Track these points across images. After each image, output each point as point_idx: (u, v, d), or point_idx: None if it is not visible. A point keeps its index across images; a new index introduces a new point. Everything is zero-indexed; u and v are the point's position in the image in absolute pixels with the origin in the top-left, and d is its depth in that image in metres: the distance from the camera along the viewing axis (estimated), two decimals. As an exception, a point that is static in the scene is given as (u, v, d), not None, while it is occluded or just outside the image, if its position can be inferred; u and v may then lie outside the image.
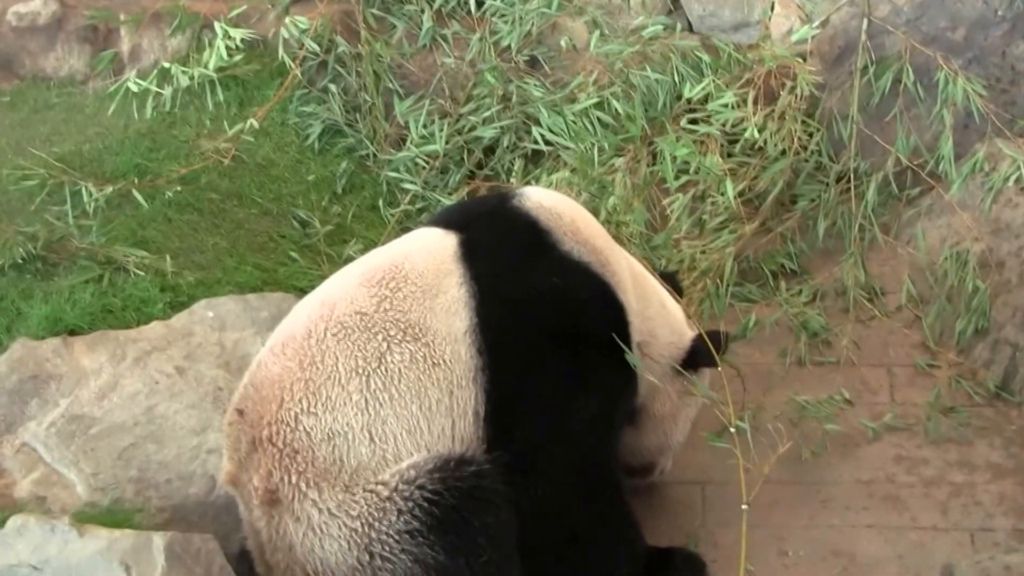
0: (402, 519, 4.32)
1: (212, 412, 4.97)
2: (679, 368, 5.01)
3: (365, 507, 4.36)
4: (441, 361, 4.52)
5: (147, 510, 4.76)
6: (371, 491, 4.37)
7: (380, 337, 4.50)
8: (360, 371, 4.46)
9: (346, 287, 4.65)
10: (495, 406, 4.58)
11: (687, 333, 5.05)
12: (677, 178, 6.10)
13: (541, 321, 4.66)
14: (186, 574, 4.31)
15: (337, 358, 4.47)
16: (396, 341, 4.50)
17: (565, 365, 4.67)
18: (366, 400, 4.44)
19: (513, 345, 4.62)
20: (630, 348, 4.74)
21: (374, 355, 4.48)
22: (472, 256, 4.68)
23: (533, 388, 4.64)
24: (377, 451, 4.42)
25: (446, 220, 4.95)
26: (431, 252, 4.71)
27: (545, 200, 4.85)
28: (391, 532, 4.33)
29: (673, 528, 5.13)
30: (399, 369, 4.48)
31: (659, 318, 4.96)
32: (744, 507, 4.74)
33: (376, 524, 4.34)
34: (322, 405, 4.43)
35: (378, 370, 4.46)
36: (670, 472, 5.35)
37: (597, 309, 4.74)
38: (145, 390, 5.06)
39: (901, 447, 5.39)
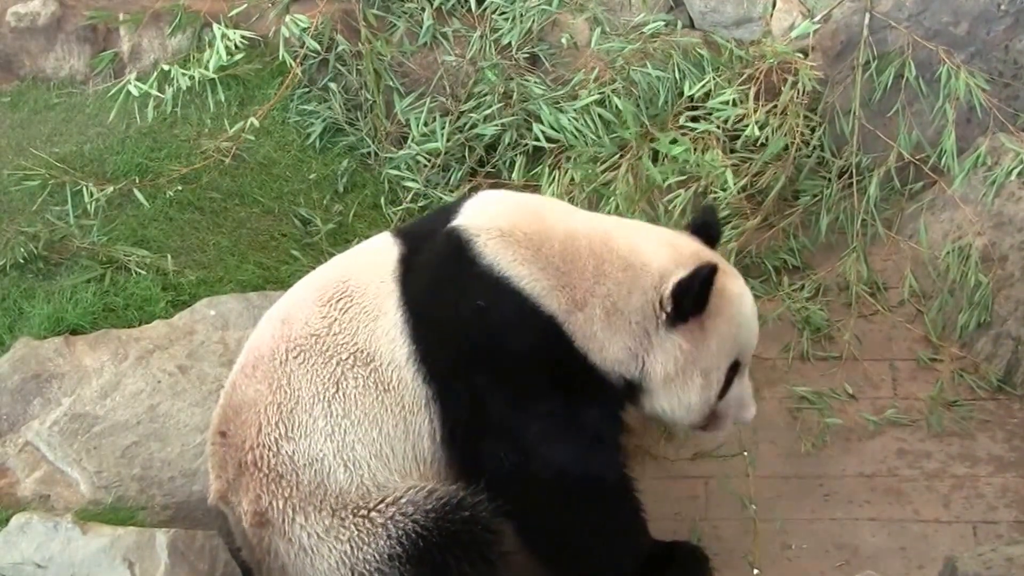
0: (388, 543, 4.43)
1: (215, 410, 5.01)
2: (671, 319, 4.62)
3: (355, 532, 4.46)
4: (390, 387, 4.53)
5: (150, 508, 4.81)
6: (364, 517, 4.46)
7: (335, 361, 4.52)
8: (321, 397, 4.50)
9: (302, 305, 4.65)
10: (451, 431, 4.57)
11: (669, 279, 4.60)
12: (665, 178, 6.10)
13: (470, 347, 4.56)
14: (189, 570, 4.35)
15: (300, 383, 4.51)
16: (349, 366, 4.52)
17: (500, 391, 4.57)
18: (332, 427, 4.49)
19: (452, 371, 4.55)
20: (570, 349, 4.57)
21: (331, 380, 4.51)
22: (406, 276, 4.63)
23: (484, 415, 4.57)
24: (354, 478, 4.48)
25: (407, 226, 4.89)
26: (374, 266, 4.67)
27: (478, 214, 4.67)
28: (375, 554, 4.44)
29: (677, 522, 5.17)
30: (354, 396, 4.50)
31: (623, 285, 4.59)
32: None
33: (364, 547, 4.44)
34: (297, 431, 4.49)
35: (336, 396, 4.50)
36: (678, 471, 5.42)
37: (519, 327, 4.55)
38: (147, 388, 5.11)
39: (903, 440, 5.43)
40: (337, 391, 4.50)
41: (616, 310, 4.59)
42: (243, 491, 4.52)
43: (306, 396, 4.50)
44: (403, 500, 4.45)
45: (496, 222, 4.62)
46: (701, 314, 4.60)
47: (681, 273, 4.57)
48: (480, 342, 4.54)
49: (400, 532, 4.42)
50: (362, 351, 4.53)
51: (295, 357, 4.53)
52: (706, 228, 4.87)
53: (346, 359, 4.52)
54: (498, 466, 4.59)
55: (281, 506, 4.47)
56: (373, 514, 4.45)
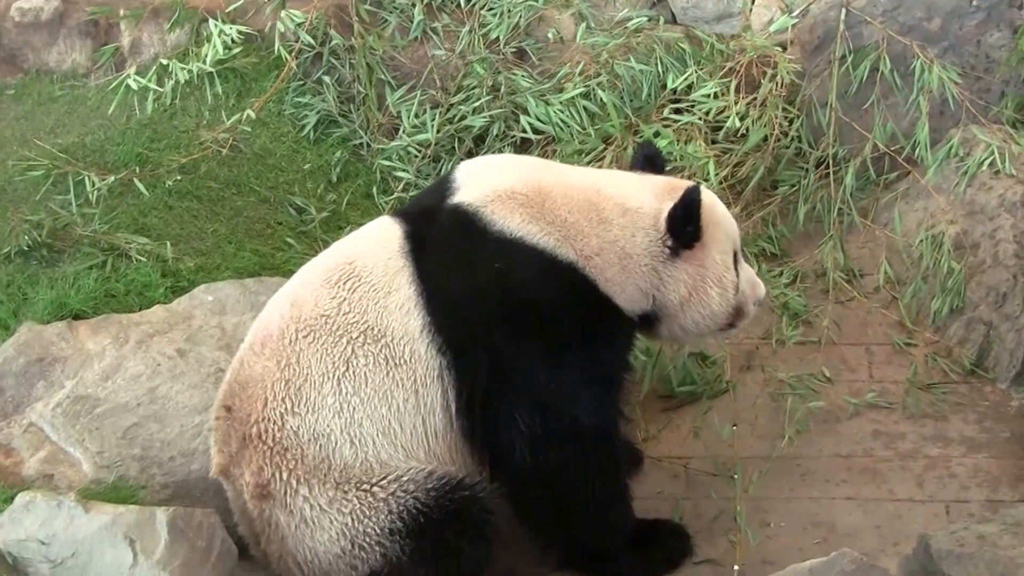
0: (389, 518, 4.44)
1: (213, 392, 4.99)
2: (675, 250, 4.68)
3: (358, 504, 4.46)
4: (402, 361, 4.52)
5: (150, 486, 4.81)
6: (366, 491, 4.46)
7: (345, 340, 4.51)
8: (331, 375, 4.49)
9: (310, 286, 4.64)
10: (467, 400, 4.57)
11: (662, 216, 4.66)
12: None
13: (491, 310, 4.54)
14: (188, 548, 4.36)
15: (310, 362, 4.50)
16: (359, 344, 4.50)
17: (526, 348, 4.56)
18: (340, 404, 4.48)
19: (470, 338, 4.54)
20: (596, 293, 4.60)
21: (341, 359, 4.50)
22: (417, 252, 4.62)
23: (503, 378, 4.56)
24: (359, 453, 4.48)
25: (403, 207, 4.85)
26: (379, 246, 4.66)
27: (476, 185, 4.66)
28: (376, 528, 4.45)
29: (659, 501, 5.17)
30: (364, 373, 4.49)
31: (627, 229, 4.64)
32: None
33: (365, 520, 4.45)
34: (304, 406, 4.48)
35: (347, 374, 4.49)
36: (656, 449, 5.41)
37: (542, 279, 4.57)
38: (148, 371, 5.11)
39: (879, 422, 5.43)
40: (347, 369, 4.49)
41: (627, 254, 4.64)
42: (245, 463, 4.52)
43: (315, 374, 4.49)
44: (405, 479, 4.46)
45: (496, 189, 4.62)
46: (701, 235, 4.69)
47: (668, 206, 4.64)
48: (502, 304, 4.53)
49: (401, 507, 4.43)
50: (372, 328, 4.52)
51: (305, 337, 4.52)
52: (651, 161, 4.96)
53: (356, 337, 4.51)
54: (512, 429, 4.57)
55: (284, 477, 4.46)
56: (376, 489, 4.45)
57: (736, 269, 4.85)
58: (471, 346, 4.53)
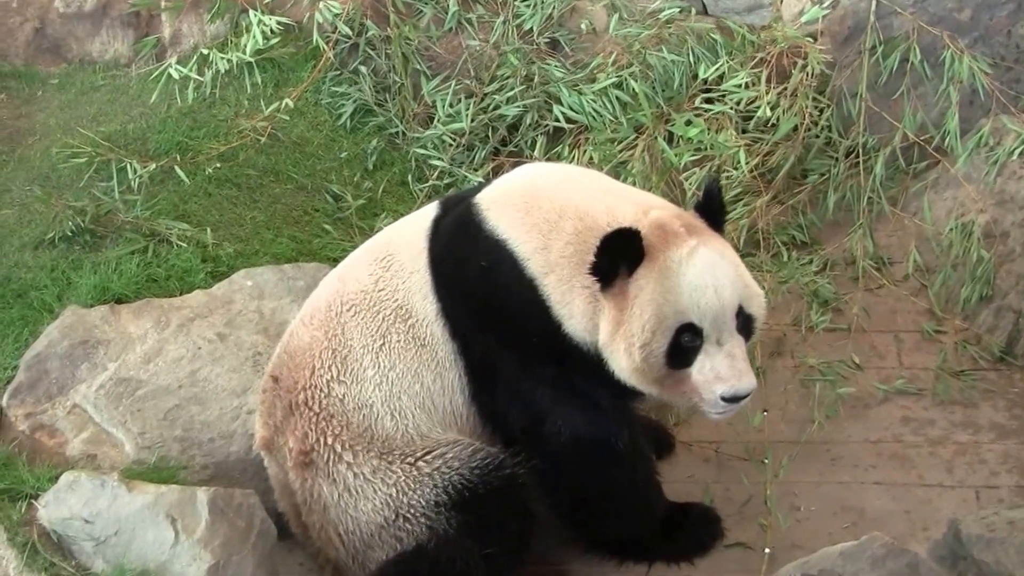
0: (435, 492, 4.44)
1: (252, 375, 5.03)
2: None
3: (402, 477, 4.46)
4: (426, 342, 4.55)
5: (191, 467, 4.83)
6: (411, 464, 4.46)
7: (380, 317, 4.55)
8: (370, 348, 4.53)
9: (357, 264, 4.71)
10: (476, 388, 4.58)
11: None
12: (680, 159, 6.05)
13: (478, 307, 4.53)
14: (228, 527, 4.36)
15: (353, 334, 4.55)
16: (391, 321, 4.55)
17: (506, 352, 4.53)
18: (380, 378, 4.52)
19: (468, 329, 4.55)
20: (547, 316, 4.44)
21: (379, 333, 4.54)
22: (434, 236, 4.64)
23: (494, 375, 4.56)
24: (399, 426, 4.51)
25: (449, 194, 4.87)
26: (414, 228, 4.69)
27: (495, 184, 4.71)
28: (422, 500, 4.44)
29: (690, 485, 5.15)
30: (398, 350, 4.53)
31: (584, 246, 4.40)
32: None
33: (411, 493, 4.45)
34: (349, 375, 4.52)
35: (383, 348, 4.53)
36: (687, 434, 5.37)
37: (513, 288, 4.46)
38: (188, 355, 5.12)
39: (908, 409, 5.39)
40: (384, 344, 4.53)
41: (578, 271, 4.42)
42: (290, 431, 4.54)
43: (357, 346, 4.53)
44: (449, 456, 4.47)
45: (498, 190, 4.67)
46: (612, 280, 4.36)
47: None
48: (486, 301, 4.54)
49: (446, 482, 4.44)
50: (401, 307, 4.56)
51: (348, 310, 4.57)
52: (707, 207, 4.56)
53: (389, 315, 4.55)
54: (513, 426, 4.60)
55: (329, 442, 4.48)
56: (420, 463, 4.46)
57: (692, 346, 4.38)
58: (471, 335, 4.56)
